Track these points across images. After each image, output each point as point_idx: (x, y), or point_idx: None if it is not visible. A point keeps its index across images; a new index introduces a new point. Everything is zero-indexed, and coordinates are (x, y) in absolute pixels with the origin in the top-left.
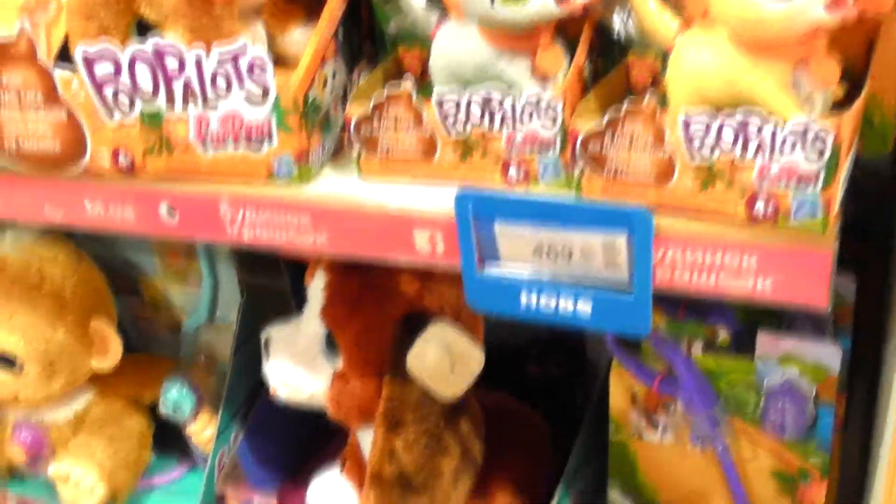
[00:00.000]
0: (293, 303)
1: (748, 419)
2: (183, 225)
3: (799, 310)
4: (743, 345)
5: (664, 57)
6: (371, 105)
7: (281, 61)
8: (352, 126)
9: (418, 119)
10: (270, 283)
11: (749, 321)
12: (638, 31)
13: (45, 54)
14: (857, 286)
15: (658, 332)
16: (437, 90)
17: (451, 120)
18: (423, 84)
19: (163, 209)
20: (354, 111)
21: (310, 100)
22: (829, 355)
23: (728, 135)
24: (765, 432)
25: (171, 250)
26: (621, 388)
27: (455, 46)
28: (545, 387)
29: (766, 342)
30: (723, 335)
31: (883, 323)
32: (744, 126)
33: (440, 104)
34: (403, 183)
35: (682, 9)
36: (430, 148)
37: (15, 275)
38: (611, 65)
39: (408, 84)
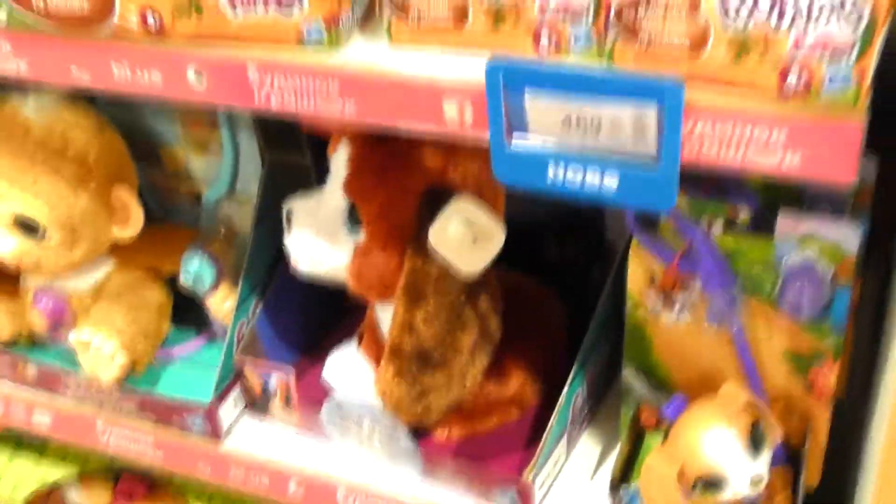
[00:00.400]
0: (314, 178)
1: (765, 299)
2: (211, 90)
3: (820, 190)
4: (763, 225)
5: None
6: None
7: None
8: None
9: None
10: (292, 157)
11: (769, 201)
12: None
13: None
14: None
15: (679, 210)
16: None
17: None
18: None
19: (190, 73)
20: None
21: None
22: (848, 236)
23: (764, 2)
24: (781, 313)
25: (192, 119)
26: (640, 267)
27: None
28: (563, 268)
29: (785, 222)
30: (743, 215)
31: None
32: None
33: None
34: (434, 51)
35: None
36: (461, 15)
37: (38, 139)
38: None
39: None
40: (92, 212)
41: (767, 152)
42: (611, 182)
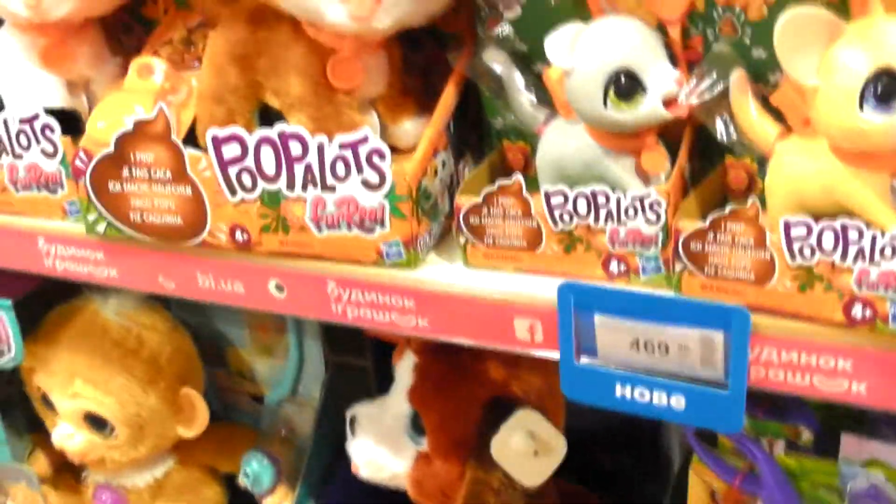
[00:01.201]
0: (375, 382)
1: None
2: (290, 301)
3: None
4: (825, 446)
5: (761, 161)
6: (481, 195)
7: (391, 150)
8: (461, 215)
9: (526, 210)
10: (354, 361)
11: (831, 422)
12: (738, 135)
13: (177, 134)
14: None
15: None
16: (546, 184)
17: (557, 213)
18: (526, 179)
19: (272, 285)
20: (464, 201)
21: (422, 188)
22: None
23: (828, 240)
24: None
25: (260, 323)
26: (701, 484)
27: (563, 144)
28: (618, 479)
29: (850, 444)
30: (805, 435)
31: None
32: (844, 232)
33: (548, 198)
34: (507, 272)
35: (783, 116)
36: (535, 239)
37: (115, 339)
38: (707, 166)
39: (518, 177)
40: (159, 411)
41: (833, 380)
42: (678, 403)
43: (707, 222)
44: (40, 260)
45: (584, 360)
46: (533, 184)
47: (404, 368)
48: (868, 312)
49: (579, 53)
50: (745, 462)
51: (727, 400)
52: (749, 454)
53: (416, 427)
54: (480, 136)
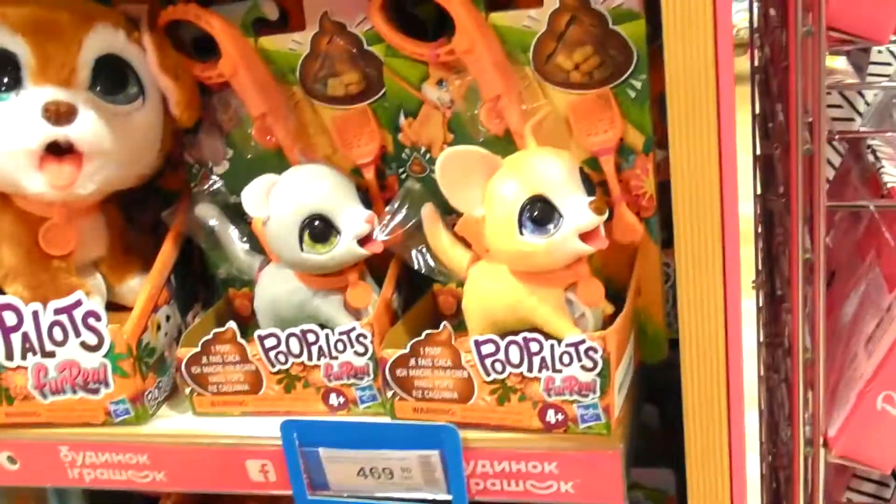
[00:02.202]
0: None
1: None
2: (24, 472)
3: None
4: None
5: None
6: (199, 345)
7: (120, 308)
8: (183, 366)
9: (243, 356)
10: None
11: None
12: (435, 264)
13: None
14: (676, 477)
15: None
16: (262, 327)
17: (272, 355)
18: (253, 323)
19: (3, 458)
20: (184, 352)
21: (143, 345)
22: None
23: (515, 354)
24: None
25: (19, 494)
26: None
27: (275, 288)
28: None
29: None
30: None
31: None
32: (526, 345)
33: (262, 341)
34: (234, 416)
35: (471, 244)
36: (256, 382)
37: None
38: (419, 294)
39: (232, 324)
40: None
41: (544, 482)
42: None
43: (408, 349)
44: None
45: (317, 493)
46: (253, 329)
47: None
48: (560, 416)
49: (274, 202)
50: None
51: None
52: None
53: None
54: (209, 287)
